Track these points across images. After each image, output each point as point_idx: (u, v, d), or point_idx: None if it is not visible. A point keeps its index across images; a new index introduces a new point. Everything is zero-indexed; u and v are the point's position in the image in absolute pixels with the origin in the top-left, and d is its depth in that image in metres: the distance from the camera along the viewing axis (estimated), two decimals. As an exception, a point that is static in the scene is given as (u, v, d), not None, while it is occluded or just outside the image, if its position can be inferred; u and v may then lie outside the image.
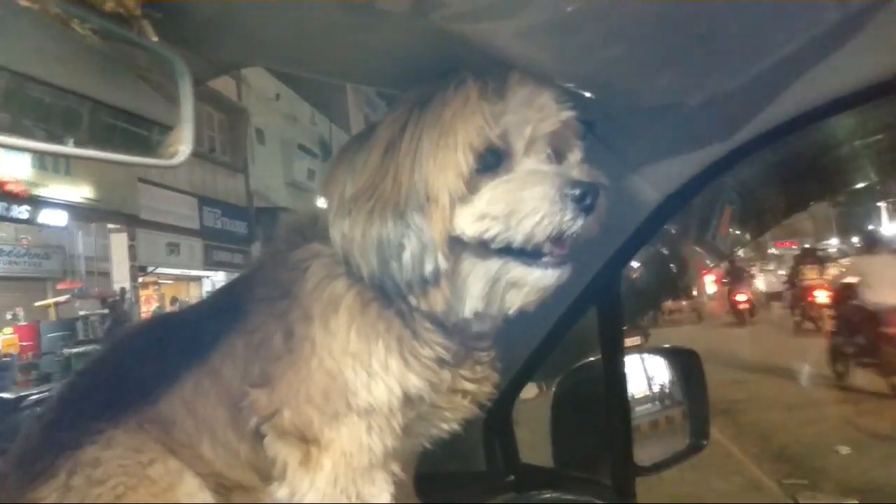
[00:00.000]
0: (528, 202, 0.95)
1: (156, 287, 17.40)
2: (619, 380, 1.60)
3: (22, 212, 12.72)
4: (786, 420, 7.39)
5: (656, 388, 1.93)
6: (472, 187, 0.96)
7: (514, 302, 1.04)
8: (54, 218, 13.55)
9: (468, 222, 0.97)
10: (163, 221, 17.09)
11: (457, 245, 0.99)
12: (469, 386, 1.13)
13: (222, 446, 1.12)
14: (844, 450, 6.19)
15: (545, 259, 1.00)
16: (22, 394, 9.29)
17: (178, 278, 18.75)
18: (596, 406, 1.71)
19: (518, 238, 0.96)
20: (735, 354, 10.90)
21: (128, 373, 1.16)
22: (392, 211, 0.96)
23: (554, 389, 1.90)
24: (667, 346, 2.04)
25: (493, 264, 1.00)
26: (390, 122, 1.01)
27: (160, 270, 17.64)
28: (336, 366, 1.03)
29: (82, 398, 1.15)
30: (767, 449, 6.54)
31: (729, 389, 8.24)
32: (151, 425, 1.10)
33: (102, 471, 1.03)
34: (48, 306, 14.19)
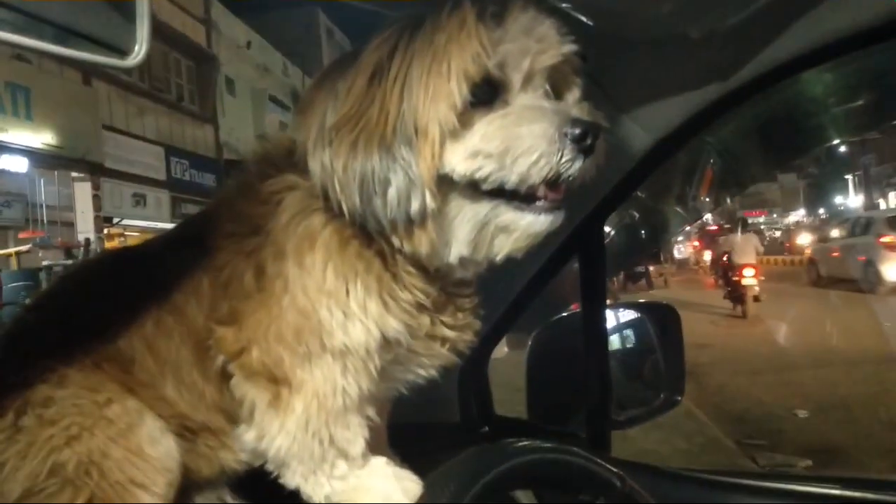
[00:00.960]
0: (525, 140, 0.88)
1: (121, 239, 17.00)
2: (599, 332, 1.57)
3: (-21, 157, 12.26)
4: (747, 383, 7.60)
5: (631, 343, 1.91)
6: (464, 121, 0.88)
7: (503, 248, 0.97)
8: (15, 164, 13.09)
9: (459, 159, 0.89)
10: (128, 171, 16.66)
11: (445, 184, 0.91)
12: (449, 333, 1.06)
13: (186, 387, 1.05)
14: (802, 413, 6.38)
15: (539, 203, 0.93)
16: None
17: (144, 231, 18.34)
18: (572, 360, 1.69)
19: (512, 179, 0.89)
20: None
21: (81, 309, 1.08)
22: (378, 142, 0.88)
23: (530, 343, 1.88)
24: (644, 300, 2.02)
25: (483, 207, 0.93)
26: (378, 45, 0.91)
27: (126, 222, 17.24)
28: (310, 304, 0.96)
29: (32, 335, 1.07)
30: (729, 411, 6.73)
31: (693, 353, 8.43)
32: (109, 364, 1.02)
33: (55, 410, 0.96)
34: (9, 255, 13.83)
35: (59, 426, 0.96)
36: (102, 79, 16.04)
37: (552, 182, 0.91)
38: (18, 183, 14.38)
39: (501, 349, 2.25)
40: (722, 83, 1.19)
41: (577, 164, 0.89)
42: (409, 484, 1.04)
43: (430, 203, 0.89)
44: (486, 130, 0.89)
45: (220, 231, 1.05)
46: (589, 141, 0.89)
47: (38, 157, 13.63)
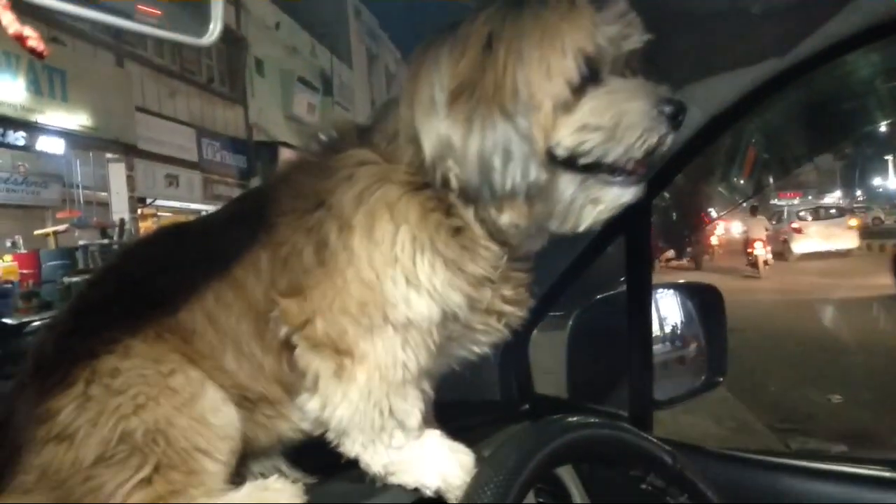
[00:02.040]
0: (632, 115, 0.93)
1: (155, 219, 17.33)
2: (644, 312, 1.56)
3: (18, 138, 12.51)
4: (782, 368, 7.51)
5: (674, 323, 1.90)
6: (575, 96, 0.93)
7: (588, 219, 1.02)
8: (52, 145, 13.35)
9: (567, 132, 0.94)
10: (161, 152, 16.89)
11: (548, 158, 0.95)
12: (506, 307, 1.09)
13: (246, 358, 1.08)
14: (836, 398, 6.28)
15: (625, 177, 0.98)
16: (24, 320, 9.38)
17: (177, 211, 18.64)
18: (614, 339, 1.69)
19: (617, 151, 0.94)
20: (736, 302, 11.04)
21: (143, 282, 1.11)
22: (500, 112, 0.91)
23: (571, 323, 1.87)
24: (687, 281, 2.00)
25: (576, 179, 0.98)
26: (484, 19, 0.94)
27: (159, 202, 17.54)
28: (375, 276, 1.00)
29: (96, 308, 1.10)
30: (762, 395, 6.65)
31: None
32: (171, 335, 1.05)
33: (122, 380, 0.99)
34: (47, 235, 14.18)
35: (127, 395, 0.99)
36: (135, 60, 16.23)
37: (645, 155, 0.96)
38: (55, 164, 14.68)
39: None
40: (779, 59, 1.17)
41: (669, 140, 0.95)
42: (463, 457, 1.06)
43: (542, 175, 0.94)
44: (595, 105, 0.94)
45: (279, 207, 1.08)
46: (680, 117, 0.96)
47: (74, 139, 13.88)
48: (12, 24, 0.52)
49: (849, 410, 5.93)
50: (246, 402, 1.09)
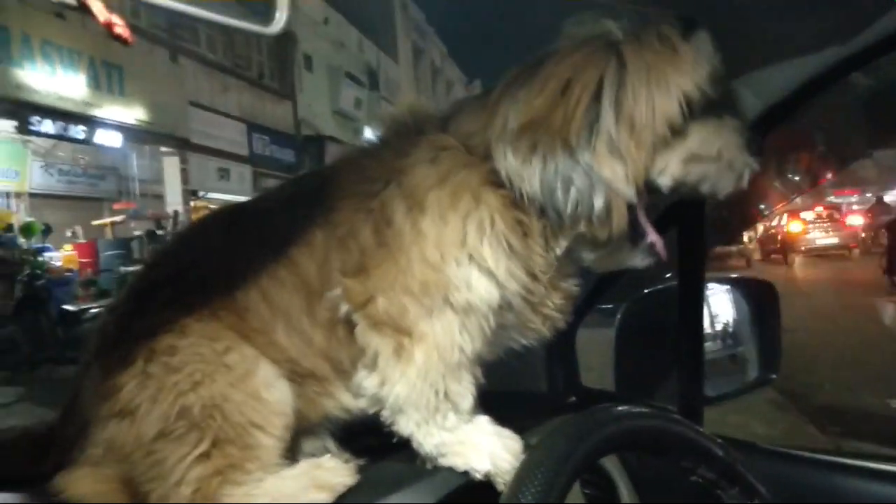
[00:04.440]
0: (731, 148, 1.05)
1: (207, 212, 17.75)
2: (696, 306, 1.54)
3: (79, 131, 12.99)
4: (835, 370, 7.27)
5: (726, 318, 1.87)
6: (677, 132, 1.02)
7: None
8: (109, 138, 13.79)
9: (675, 163, 1.04)
10: (213, 146, 17.29)
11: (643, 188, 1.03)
12: (553, 313, 1.14)
13: (297, 333, 1.11)
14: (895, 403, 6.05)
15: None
16: (83, 307, 9.78)
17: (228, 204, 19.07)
18: (663, 334, 1.67)
19: (727, 179, 1.06)
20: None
21: (199, 263, 1.15)
22: (561, 144, 0.99)
23: (619, 316, 1.86)
24: (740, 275, 1.97)
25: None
26: (568, 60, 1.02)
27: (211, 195, 17.99)
28: (439, 257, 1.02)
29: (154, 289, 1.14)
30: (814, 397, 6.46)
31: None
32: (225, 312, 1.09)
33: (179, 358, 1.03)
34: (105, 226, 14.70)
35: (184, 373, 1.02)
36: (188, 56, 16.64)
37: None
38: (112, 157, 15.19)
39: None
40: (840, 48, 1.14)
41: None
42: (511, 442, 1.07)
43: (625, 194, 1.01)
44: (703, 137, 1.04)
45: (340, 189, 1.11)
46: (757, 149, 1.08)
47: (130, 133, 14.32)
48: (102, 12, 0.55)
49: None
50: (296, 376, 1.12)
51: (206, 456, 1.01)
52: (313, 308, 1.10)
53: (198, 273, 1.13)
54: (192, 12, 0.66)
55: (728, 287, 1.89)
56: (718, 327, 1.86)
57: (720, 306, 1.88)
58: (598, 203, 0.99)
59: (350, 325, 1.07)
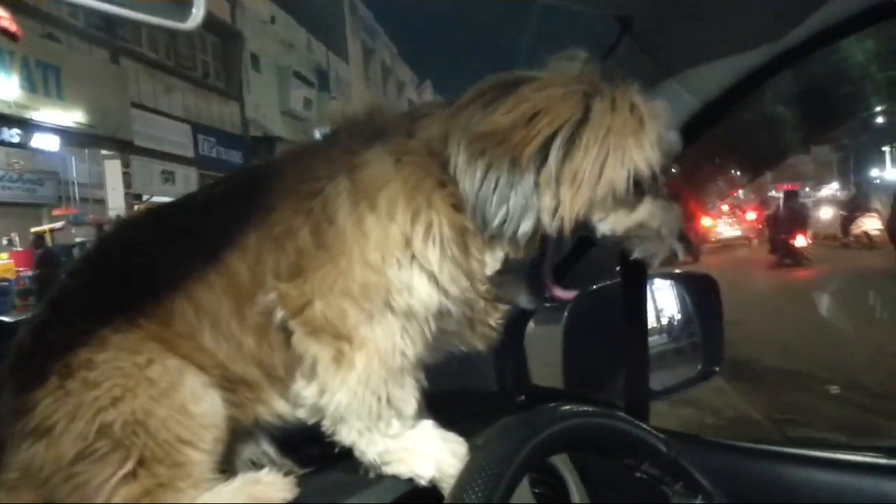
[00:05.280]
0: (670, 227, 1.09)
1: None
2: (640, 302, 1.55)
3: (13, 135, 12.47)
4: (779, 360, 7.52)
5: (670, 313, 1.90)
6: (619, 199, 1.03)
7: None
8: (47, 142, 13.31)
9: (621, 222, 1.06)
10: (157, 149, 16.85)
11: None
12: (487, 331, 1.13)
13: (225, 337, 1.06)
14: (834, 389, 6.29)
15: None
16: (21, 318, 9.37)
17: (173, 207, 18.57)
18: (610, 330, 1.68)
19: (659, 250, 1.10)
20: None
21: (120, 267, 1.09)
22: (510, 161, 0.98)
23: (566, 313, 1.87)
24: (682, 270, 1.99)
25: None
26: (547, 95, 1.01)
27: (155, 199, 17.50)
28: (381, 259, 1.00)
29: (72, 298, 1.08)
30: (760, 387, 6.66)
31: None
32: (147, 320, 1.03)
33: (98, 373, 0.97)
34: (44, 233, 14.15)
35: (103, 388, 0.97)
36: (130, 56, 16.17)
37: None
38: (50, 161, 14.64)
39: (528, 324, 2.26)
40: (772, 45, 1.16)
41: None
42: (456, 446, 1.05)
43: (553, 229, 1.01)
44: (649, 210, 1.06)
45: (278, 187, 1.07)
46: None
47: (70, 136, 13.85)
48: (-15, 5, 0.50)
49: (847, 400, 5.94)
50: (226, 382, 1.07)
51: (132, 475, 0.96)
52: (243, 312, 1.05)
53: (118, 278, 1.07)
54: (106, 9, 0.61)
55: (671, 282, 1.91)
56: (663, 322, 1.88)
57: (664, 301, 1.90)
58: (525, 226, 1.00)
59: (285, 332, 1.03)
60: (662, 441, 1.01)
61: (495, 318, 1.11)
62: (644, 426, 1.02)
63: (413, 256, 1.00)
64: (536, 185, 0.99)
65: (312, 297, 1.00)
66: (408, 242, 1.00)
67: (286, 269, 1.03)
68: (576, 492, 1.41)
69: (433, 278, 1.01)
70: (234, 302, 1.05)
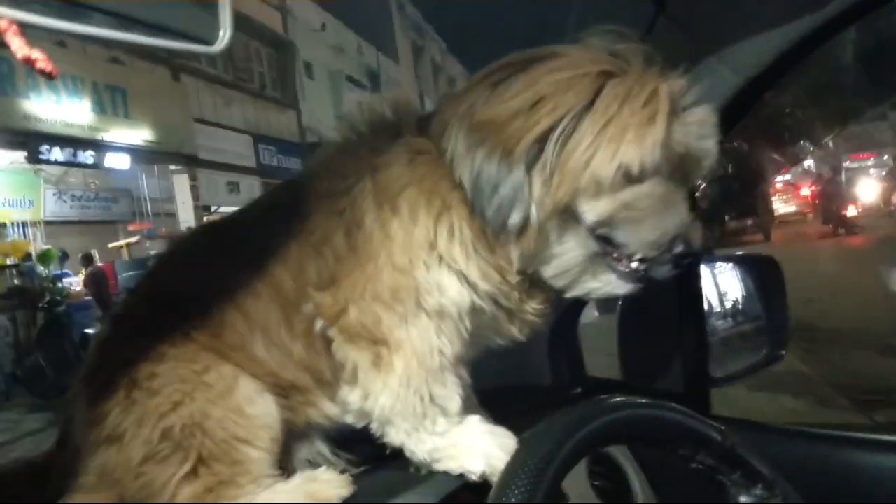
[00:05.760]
0: (661, 217, 0.99)
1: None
2: (695, 286, 1.51)
3: (88, 157, 13.14)
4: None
5: (731, 297, 1.84)
6: (602, 187, 0.96)
7: (578, 290, 1.07)
8: (118, 161, 13.94)
9: (606, 203, 0.97)
10: (221, 161, 17.41)
11: (569, 219, 0.99)
12: (530, 318, 1.11)
13: (276, 346, 1.10)
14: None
15: (629, 271, 1.03)
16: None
17: (239, 216, 19.12)
18: (667, 317, 1.65)
19: (637, 238, 0.99)
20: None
21: (174, 284, 1.15)
22: (502, 153, 0.95)
23: (620, 302, 1.83)
24: (743, 253, 1.93)
25: (587, 247, 1.01)
26: (555, 79, 0.96)
27: (223, 209, 18.09)
28: (408, 261, 1.00)
29: (131, 315, 1.14)
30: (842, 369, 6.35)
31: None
32: (200, 332, 1.08)
33: (159, 382, 1.03)
34: (121, 248, 14.87)
35: (164, 394, 1.02)
36: (190, 73, 16.76)
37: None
38: (123, 179, 15.35)
39: (592, 313, 2.22)
40: (817, 13, 1.11)
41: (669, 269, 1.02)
42: (505, 440, 1.05)
43: (538, 218, 0.97)
44: (634, 193, 0.97)
45: (313, 192, 1.09)
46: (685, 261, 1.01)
47: (138, 154, 14.47)
48: (21, 48, 0.54)
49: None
50: (279, 389, 1.11)
51: (193, 474, 1.01)
52: (291, 320, 1.08)
53: (173, 294, 1.12)
54: (136, 40, 0.64)
55: (732, 265, 1.85)
56: (726, 306, 1.82)
57: (726, 284, 1.84)
58: (515, 218, 0.97)
59: (327, 340, 1.06)
60: (717, 430, 0.98)
61: (534, 308, 1.09)
62: (696, 415, 1.00)
63: (440, 258, 1.00)
64: (529, 176, 0.96)
65: (347, 305, 1.02)
66: (432, 245, 1.00)
67: (326, 274, 1.05)
68: (637, 484, 1.38)
69: (462, 276, 1.01)
70: (282, 311, 1.09)
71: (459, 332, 1.05)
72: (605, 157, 0.93)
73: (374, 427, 1.09)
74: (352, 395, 1.07)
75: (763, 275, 1.83)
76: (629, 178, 0.95)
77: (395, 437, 1.08)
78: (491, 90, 0.99)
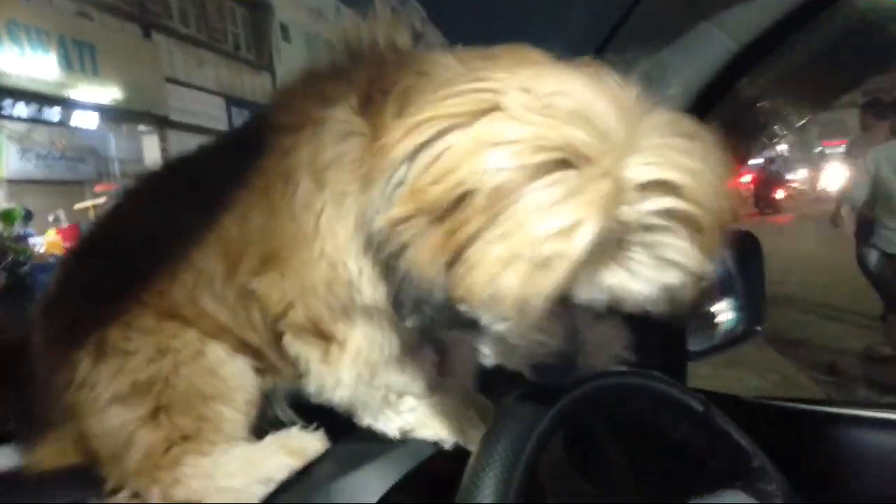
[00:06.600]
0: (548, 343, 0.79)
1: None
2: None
3: (53, 114, 12.72)
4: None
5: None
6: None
7: None
8: (86, 120, 13.54)
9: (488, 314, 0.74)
10: (192, 122, 17.00)
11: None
12: None
13: (220, 301, 1.04)
14: (887, 350, 6.10)
15: None
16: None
17: (211, 180, 18.82)
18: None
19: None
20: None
21: (119, 239, 1.10)
22: (376, 177, 0.75)
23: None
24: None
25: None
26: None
27: (193, 172, 17.75)
28: (336, 255, 0.91)
29: (75, 279, 1.11)
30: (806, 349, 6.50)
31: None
32: (148, 294, 1.02)
33: (133, 343, 1.00)
34: (87, 209, 14.51)
35: (139, 356, 0.99)
36: (162, 31, 16.27)
37: None
38: (90, 138, 14.93)
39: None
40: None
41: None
42: (481, 406, 1.03)
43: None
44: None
45: (269, 125, 0.99)
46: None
47: (107, 113, 14.06)
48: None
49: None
50: (246, 349, 1.06)
51: (152, 419, 0.98)
52: (232, 275, 1.02)
53: (117, 252, 1.07)
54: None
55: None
56: (701, 280, 1.82)
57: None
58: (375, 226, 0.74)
59: (277, 332, 1.02)
60: (698, 400, 0.97)
61: None
62: (678, 385, 0.99)
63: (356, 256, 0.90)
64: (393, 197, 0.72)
65: (293, 300, 0.96)
66: (349, 242, 0.90)
67: (260, 255, 0.98)
68: (611, 451, 1.38)
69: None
70: (224, 261, 1.02)
71: (399, 326, 0.96)
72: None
73: (340, 411, 1.05)
74: (310, 388, 1.03)
75: (740, 249, 1.82)
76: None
77: (362, 420, 1.04)
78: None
